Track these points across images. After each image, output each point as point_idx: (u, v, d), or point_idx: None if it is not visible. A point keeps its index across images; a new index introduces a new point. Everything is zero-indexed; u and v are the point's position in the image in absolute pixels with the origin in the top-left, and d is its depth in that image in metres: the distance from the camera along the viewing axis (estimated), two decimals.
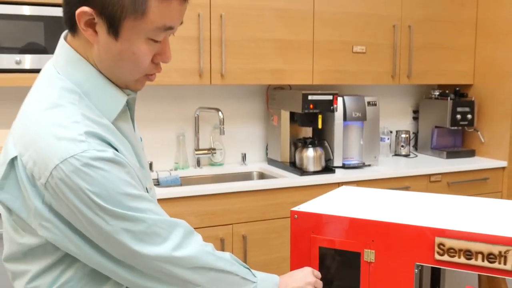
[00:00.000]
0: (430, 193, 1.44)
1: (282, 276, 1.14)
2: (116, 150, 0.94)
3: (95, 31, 0.94)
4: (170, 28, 0.97)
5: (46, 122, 0.91)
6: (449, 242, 1.05)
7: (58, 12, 2.29)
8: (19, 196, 0.94)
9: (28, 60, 2.27)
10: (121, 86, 1.02)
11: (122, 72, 0.98)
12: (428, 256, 1.08)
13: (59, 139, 0.88)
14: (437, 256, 1.07)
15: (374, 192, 1.46)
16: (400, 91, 3.60)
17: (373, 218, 1.15)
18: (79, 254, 0.95)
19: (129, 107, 1.07)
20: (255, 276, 1.08)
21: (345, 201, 1.35)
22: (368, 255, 1.14)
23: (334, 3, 2.89)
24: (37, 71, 2.28)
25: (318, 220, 1.21)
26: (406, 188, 2.91)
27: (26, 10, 2.25)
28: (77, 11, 0.92)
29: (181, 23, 1.00)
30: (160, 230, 0.95)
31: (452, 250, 1.05)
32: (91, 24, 0.93)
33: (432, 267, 1.17)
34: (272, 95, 3.00)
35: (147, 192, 1.06)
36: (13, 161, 0.93)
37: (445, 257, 1.06)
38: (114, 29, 0.93)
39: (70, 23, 0.98)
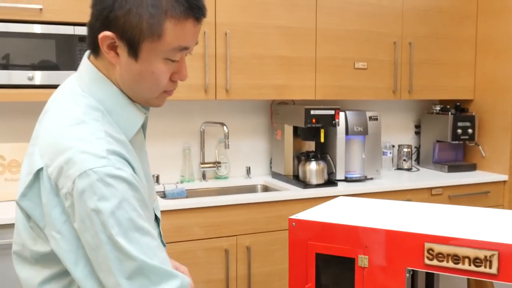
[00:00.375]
0: (424, 203, 1.50)
1: None
2: (133, 168, 1.00)
3: (117, 53, 1.01)
4: (185, 49, 1.04)
5: (72, 136, 0.97)
6: (438, 248, 1.10)
7: (69, 30, 2.39)
8: (39, 204, 1.00)
9: (40, 77, 2.37)
10: (142, 103, 1.09)
11: (142, 91, 1.05)
12: (418, 261, 1.13)
13: (82, 152, 0.95)
14: (426, 261, 1.12)
15: (370, 202, 1.52)
16: (401, 106, 3.67)
17: (366, 225, 1.21)
18: (73, 272, 0.98)
19: (143, 124, 1.15)
20: None
21: (341, 210, 1.41)
22: (362, 261, 1.20)
23: (336, 20, 2.98)
24: (48, 86, 2.40)
25: (315, 228, 1.27)
26: (407, 201, 2.95)
27: (38, 29, 2.35)
28: (100, 36, 1.00)
29: (197, 43, 1.08)
30: (151, 276, 0.95)
31: (440, 255, 1.10)
32: (113, 47, 1.01)
33: (426, 272, 1.22)
34: (276, 110, 3.08)
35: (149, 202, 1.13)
36: (38, 172, 0.99)
37: (434, 262, 1.11)
38: (134, 51, 1.00)
39: (93, 46, 1.05)
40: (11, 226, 2.16)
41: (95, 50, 1.05)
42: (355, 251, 1.21)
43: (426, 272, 1.26)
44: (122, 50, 1.01)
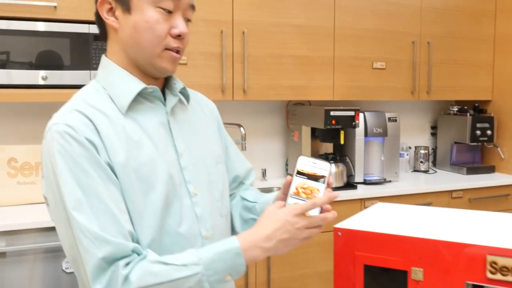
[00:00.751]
0: (471, 210, 1.43)
1: (245, 234, 1.01)
2: (98, 131, 0.99)
3: (116, 18, 1.05)
4: None
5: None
6: (502, 261, 1.03)
7: (84, 28, 2.31)
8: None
9: (54, 76, 2.29)
10: (150, 70, 1.08)
11: (143, 49, 1.04)
12: (479, 274, 1.06)
13: (52, 118, 1.03)
14: (489, 275, 1.05)
15: (411, 208, 1.45)
16: (417, 106, 3.60)
17: (420, 235, 1.14)
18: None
19: (163, 100, 1.11)
20: (197, 265, 0.95)
21: (385, 218, 1.34)
22: (416, 274, 1.12)
23: (354, 19, 2.91)
24: (62, 87, 2.32)
25: (362, 238, 1.19)
26: (429, 204, 2.89)
27: (52, 27, 2.27)
28: (98, 2, 1.05)
29: (193, 7, 1.09)
30: (83, 239, 0.93)
31: (505, 269, 1.03)
32: (111, 13, 1.05)
33: (488, 287, 1.15)
34: (293, 111, 3.01)
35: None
36: None
37: (498, 276, 1.04)
38: (126, 5, 1.04)
39: (100, 27, 1.11)
40: (26, 231, 2.09)
41: (103, 33, 1.11)
42: (407, 263, 1.13)
43: (488, 287, 1.19)
44: (119, 11, 1.04)
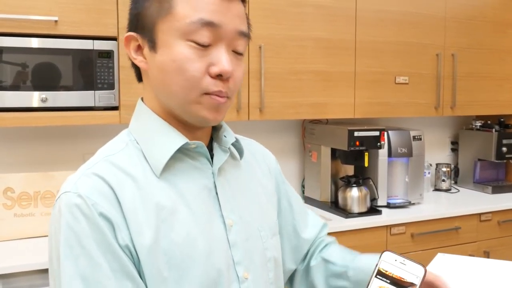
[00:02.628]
0: None
1: None
2: (121, 209, 0.77)
3: (144, 57, 0.85)
4: (211, 25, 0.79)
5: None
6: None
7: (87, 45, 2.10)
8: None
9: (54, 98, 2.07)
10: (188, 118, 0.85)
11: (173, 92, 0.82)
12: None
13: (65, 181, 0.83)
14: None
15: (477, 262, 1.25)
16: (438, 122, 3.41)
17: None
18: None
19: (209, 157, 0.88)
20: None
21: (456, 278, 1.14)
22: None
23: (376, 32, 2.72)
24: (64, 109, 2.10)
25: None
26: (457, 229, 2.70)
27: (53, 43, 2.05)
28: (124, 39, 0.86)
29: (244, 34, 0.84)
30: None
31: None
32: (140, 52, 0.86)
33: None
34: (310, 129, 2.80)
35: None
36: None
37: None
38: (152, 41, 0.83)
39: (136, 71, 0.91)
40: (25, 273, 1.87)
41: (138, 75, 0.91)
42: None
43: None
44: (146, 49, 0.84)
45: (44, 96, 2.06)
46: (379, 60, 2.74)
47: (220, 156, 0.90)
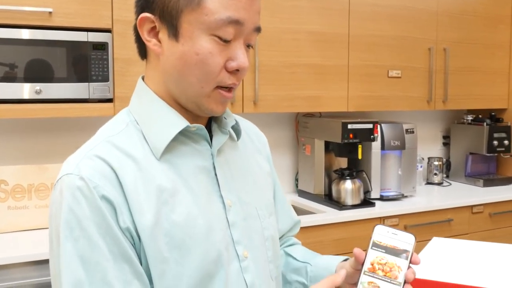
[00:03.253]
0: None
1: None
2: (123, 190, 0.78)
3: (159, 41, 0.84)
4: (237, 23, 0.80)
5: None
6: None
7: (82, 37, 2.09)
8: None
9: (48, 90, 2.06)
10: (193, 108, 0.86)
11: (189, 83, 0.83)
12: None
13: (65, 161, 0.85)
14: None
15: (471, 245, 1.27)
16: (430, 116, 3.44)
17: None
18: None
19: (209, 139, 0.89)
20: None
21: (452, 260, 1.16)
22: None
23: (369, 25, 2.73)
24: (58, 101, 2.10)
25: None
26: (449, 221, 2.73)
27: (47, 35, 2.05)
28: (138, 19, 0.84)
29: (259, 29, 0.85)
30: None
31: None
32: (154, 34, 0.84)
33: None
34: (304, 123, 2.82)
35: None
36: None
37: None
38: (173, 28, 0.82)
39: (139, 45, 0.90)
40: (18, 265, 1.87)
41: (142, 53, 0.90)
42: None
43: None
44: (164, 34, 0.83)
45: (38, 88, 2.05)
46: (372, 54, 2.76)
47: (219, 138, 0.91)
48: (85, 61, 2.12)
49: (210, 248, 0.82)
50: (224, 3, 0.79)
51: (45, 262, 1.87)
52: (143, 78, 0.91)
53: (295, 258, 1.05)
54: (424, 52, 2.92)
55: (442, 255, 1.20)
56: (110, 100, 2.18)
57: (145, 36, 0.84)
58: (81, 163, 0.79)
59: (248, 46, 0.86)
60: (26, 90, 2.04)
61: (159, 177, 0.81)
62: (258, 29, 0.86)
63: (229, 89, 0.85)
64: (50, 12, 2.05)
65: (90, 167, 0.78)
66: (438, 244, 1.29)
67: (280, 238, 1.09)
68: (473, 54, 3.10)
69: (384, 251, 0.82)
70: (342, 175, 2.63)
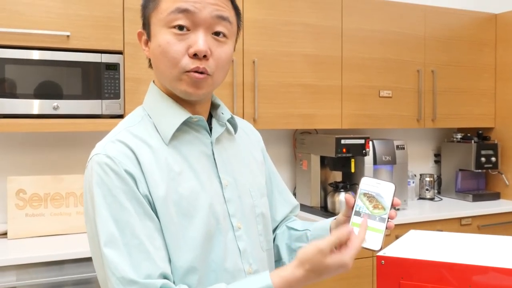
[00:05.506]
0: (506, 236, 1.41)
1: (281, 272, 0.93)
2: (139, 162, 0.96)
3: (149, 47, 1.05)
4: (186, 11, 0.96)
5: None
6: None
7: (96, 58, 2.30)
8: None
9: (65, 106, 2.26)
10: (180, 95, 1.03)
11: (161, 71, 1.01)
12: None
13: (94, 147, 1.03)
14: None
15: (447, 236, 1.43)
16: (421, 134, 3.62)
17: (469, 262, 1.11)
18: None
19: (209, 130, 1.08)
20: None
21: (425, 245, 1.32)
22: None
23: (361, 48, 2.94)
24: (73, 116, 2.29)
25: (408, 266, 1.17)
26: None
27: (64, 56, 2.26)
28: (137, 34, 1.08)
29: (223, 17, 0.98)
30: (112, 277, 0.90)
31: None
32: (145, 43, 1.06)
33: None
34: (301, 139, 3.00)
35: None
36: None
37: None
38: (148, 33, 1.04)
39: (149, 60, 1.08)
40: (37, 265, 2.02)
41: (149, 62, 1.08)
42: None
43: None
44: (148, 40, 1.05)
45: (55, 104, 2.25)
46: (364, 75, 2.96)
47: (217, 129, 1.10)
48: (98, 80, 2.32)
49: (211, 217, 1.00)
50: (174, 0, 0.97)
51: (61, 262, 2.04)
52: (154, 82, 1.11)
53: (296, 229, 1.22)
54: (413, 73, 3.12)
55: (418, 241, 1.36)
56: (121, 116, 2.37)
57: (142, 47, 1.06)
58: (107, 146, 0.98)
59: (217, 34, 0.99)
60: (44, 106, 2.23)
61: (168, 159, 1.00)
62: (221, 18, 0.98)
63: (200, 72, 0.97)
64: (68, 36, 2.26)
65: (114, 149, 0.97)
66: (414, 235, 1.45)
67: (282, 220, 1.28)
68: (460, 76, 3.30)
69: (371, 195, 1.03)
70: (336, 187, 2.80)
